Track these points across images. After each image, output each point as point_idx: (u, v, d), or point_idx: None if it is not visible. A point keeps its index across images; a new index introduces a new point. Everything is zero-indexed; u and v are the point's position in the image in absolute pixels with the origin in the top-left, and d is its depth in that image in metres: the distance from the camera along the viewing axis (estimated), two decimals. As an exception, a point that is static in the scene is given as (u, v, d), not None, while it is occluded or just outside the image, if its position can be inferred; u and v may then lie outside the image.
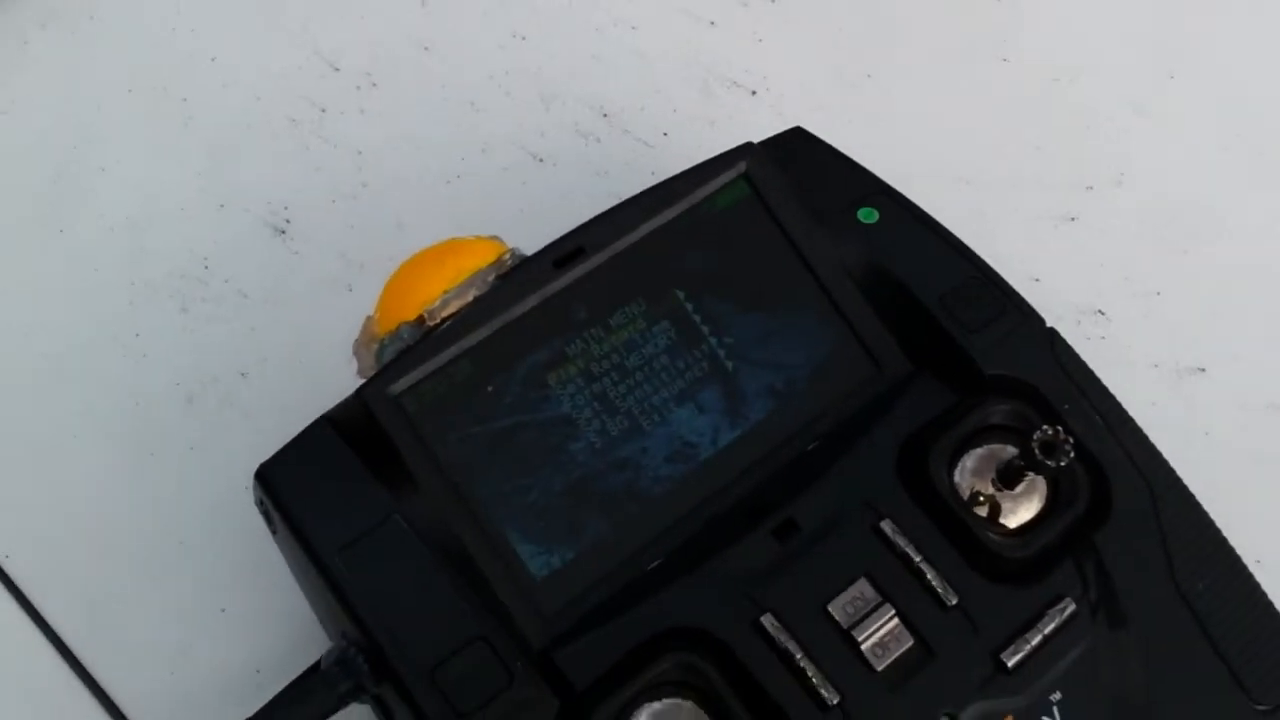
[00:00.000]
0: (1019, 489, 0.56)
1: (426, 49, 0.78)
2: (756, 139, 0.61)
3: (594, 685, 0.51)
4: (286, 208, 0.73)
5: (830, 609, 0.52)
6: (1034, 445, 0.53)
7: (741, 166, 0.59)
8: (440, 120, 0.76)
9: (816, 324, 0.58)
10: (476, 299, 0.55)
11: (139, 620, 0.63)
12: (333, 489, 0.53)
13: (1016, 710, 0.52)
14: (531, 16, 0.80)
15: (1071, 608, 0.53)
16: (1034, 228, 0.75)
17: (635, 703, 0.51)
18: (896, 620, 0.52)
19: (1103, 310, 0.72)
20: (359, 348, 0.58)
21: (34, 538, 0.65)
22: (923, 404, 0.58)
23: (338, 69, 0.77)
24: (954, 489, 0.56)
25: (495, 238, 0.59)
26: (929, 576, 0.53)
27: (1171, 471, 0.57)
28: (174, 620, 0.63)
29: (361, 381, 0.54)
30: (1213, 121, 0.79)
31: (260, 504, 0.55)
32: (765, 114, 0.75)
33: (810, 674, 0.51)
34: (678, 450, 0.55)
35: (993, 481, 0.56)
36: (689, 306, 0.57)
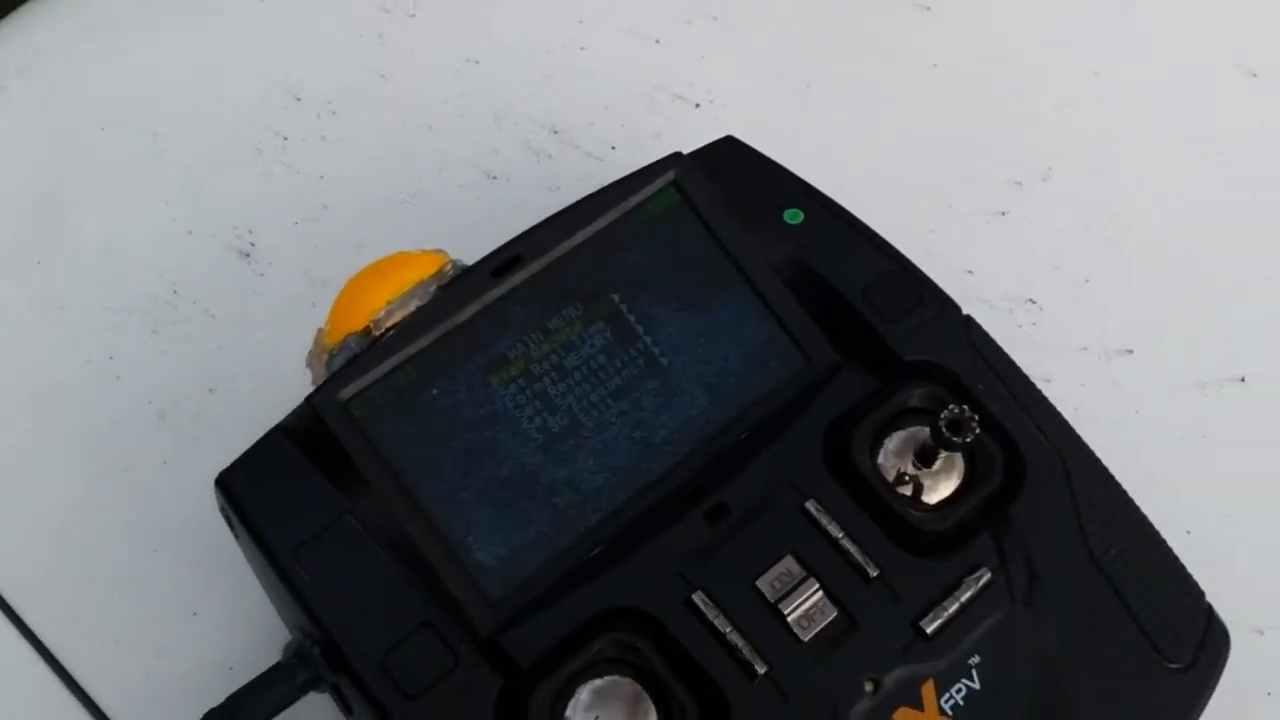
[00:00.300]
0: (936, 466, 0.57)
1: (383, 77, 0.79)
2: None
3: (537, 665, 0.53)
4: (251, 231, 0.74)
5: (758, 585, 0.54)
6: (942, 424, 0.55)
7: (670, 175, 0.60)
8: (398, 143, 0.77)
9: (747, 320, 0.60)
10: (419, 308, 0.57)
11: (116, 624, 0.64)
12: (287, 493, 0.55)
13: (936, 674, 0.54)
14: (484, 41, 0.81)
15: (987, 576, 0.55)
16: (967, 223, 0.76)
17: (577, 680, 0.52)
18: (821, 593, 0.54)
19: (1034, 299, 0.74)
20: (311, 360, 0.60)
21: (17, 548, 0.66)
22: (848, 391, 0.59)
23: (299, 99, 0.78)
24: (876, 469, 0.57)
25: (439, 250, 0.60)
26: (851, 552, 0.55)
27: (1083, 445, 0.59)
28: (149, 623, 0.64)
29: (315, 391, 0.56)
30: (1135, 116, 0.80)
31: (222, 510, 0.57)
32: (709, 125, 0.75)
33: (740, 646, 0.53)
34: (615, 444, 0.57)
35: (913, 462, 0.57)
36: (624, 308, 0.59)
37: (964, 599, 0.55)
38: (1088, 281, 0.75)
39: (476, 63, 0.81)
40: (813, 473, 0.57)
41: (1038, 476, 0.58)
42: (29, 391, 0.70)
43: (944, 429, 0.55)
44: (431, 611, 0.53)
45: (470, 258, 0.59)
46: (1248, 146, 0.79)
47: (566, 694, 0.53)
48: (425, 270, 0.59)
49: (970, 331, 0.61)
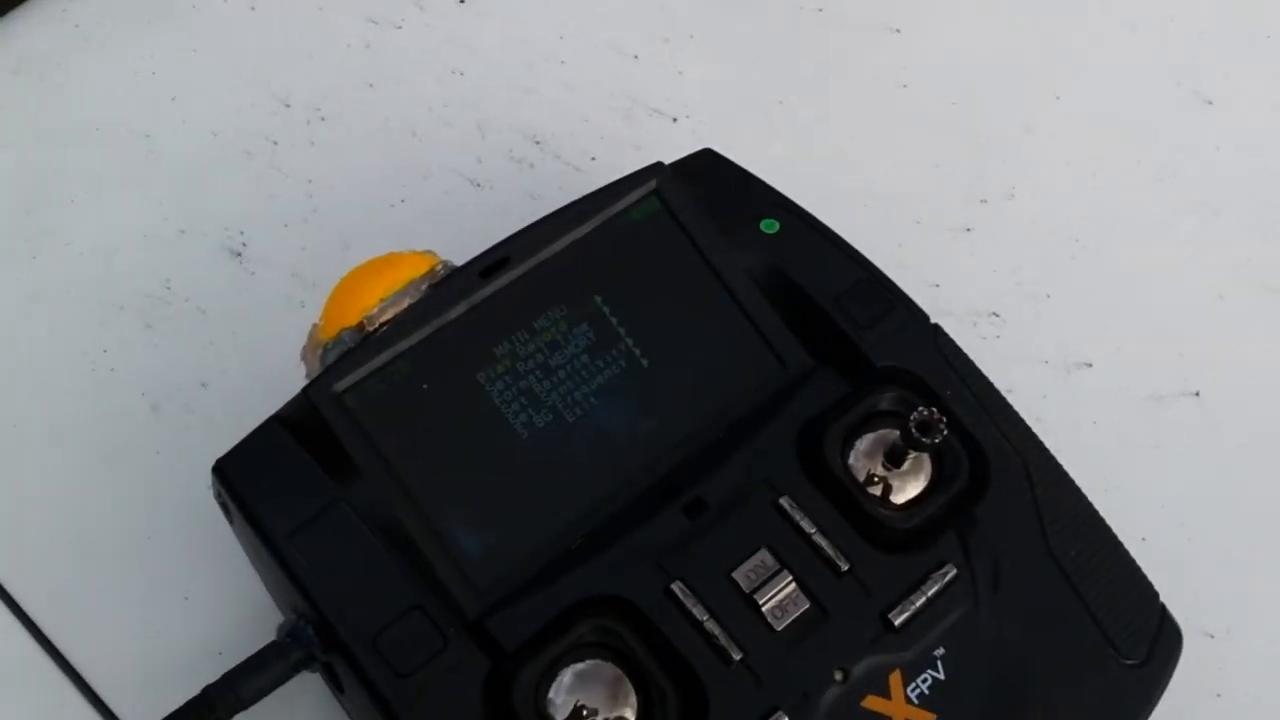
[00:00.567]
0: (905, 467, 0.59)
1: (371, 85, 0.81)
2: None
3: (522, 648, 0.54)
4: (242, 232, 0.75)
5: (734, 576, 0.56)
6: (911, 425, 0.57)
7: (652, 184, 0.62)
8: (384, 150, 0.79)
9: (725, 324, 0.61)
10: (411, 306, 0.58)
11: (110, 608, 0.65)
12: (282, 480, 0.56)
13: (903, 664, 0.56)
14: (468, 54, 0.82)
15: (953, 572, 0.57)
16: (934, 238, 0.78)
17: (560, 663, 0.54)
18: (794, 585, 0.56)
19: (997, 312, 0.76)
20: (306, 353, 0.61)
21: (13, 535, 0.67)
22: (821, 394, 0.61)
23: (289, 105, 0.80)
24: (848, 469, 0.59)
25: (429, 252, 0.62)
26: (823, 546, 0.57)
27: (1044, 449, 0.61)
28: (142, 608, 0.65)
29: (309, 385, 0.57)
30: (1095, 140, 0.82)
31: (218, 496, 0.58)
32: (685, 138, 0.77)
33: (716, 634, 0.55)
34: (597, 439, 0.58)
35: (883, 463, 0.59)
36: (606, 310, 0.60)
37: (930, 593, 0.57)
38: (1049, 297, 0.77)
39: (461, 74, 0.82)
40: (787, 471, 0.59)
41: (1001, 478, 0.60)
42: (26, 384, 0.71)
43: (914, 430, 0.57)
44: (421, 595, 0.55)
45: (456, 259, 0.61)
46: (1202, 170, 0.81)
47: (550, 676, 0.54)
48: (417, 270, 0.60)
49: (938, 339, 0.63)
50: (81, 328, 0.72)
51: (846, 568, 0.57)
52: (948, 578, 0.57)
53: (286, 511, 0.56)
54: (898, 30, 0.86)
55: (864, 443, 0.60)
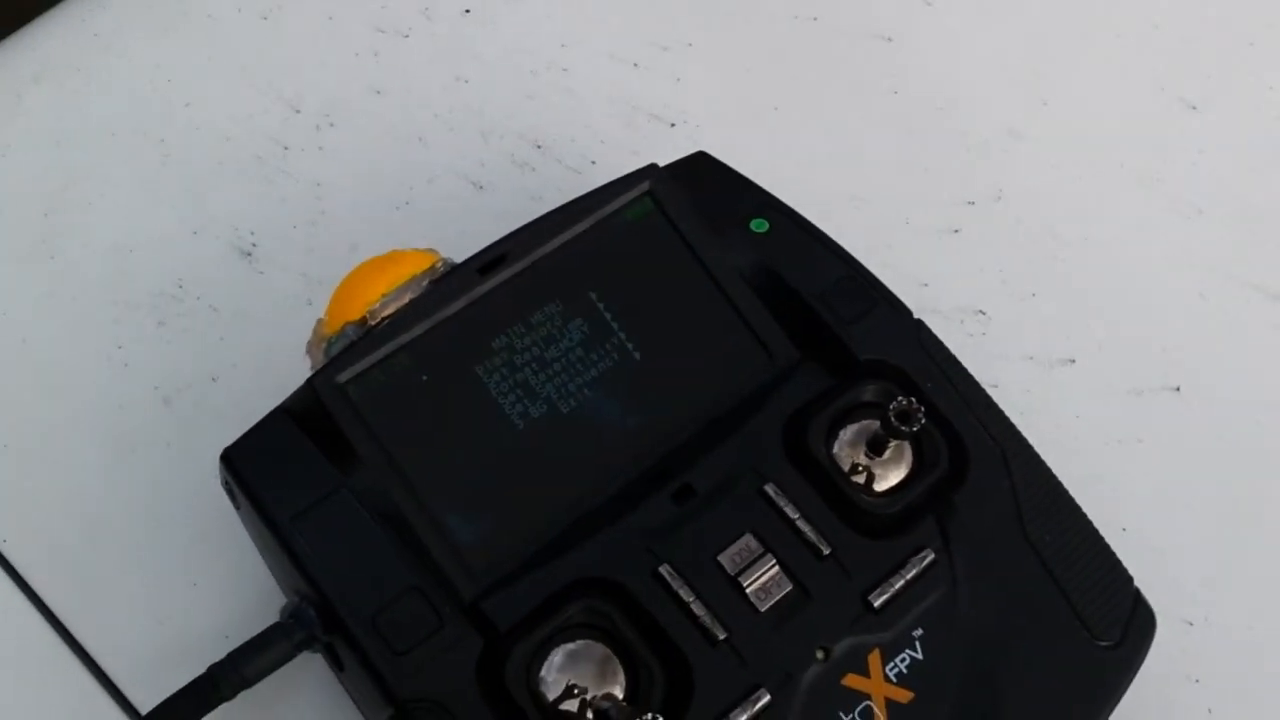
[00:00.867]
0: (886, 456, 0.61)
1: (379, 92, 0.82)
2: (673, 164, 0.65)
3: (515, 628, 0.56)
4: (253, 233, 0.77)
5: (720, 559, 0.58)
6: (891, 414, 0.58)
7: (645, 185, 0.63)
8: (390, 154, 0.80)
9: (714, 320, 0.62)
10: (412, 301, 0.60)
11: (122, 595, 0.67)
12: (287, 467, 0.58)
13: (883, 644, 0.57)
14: (473, 62, 0.84)
15: (931, 557, 0.59)
16: (922, 239, 0.79)
17: (551, 642, 0.56)
18: (777, 568, 0.58)
19: (983, 310, 0.77)
20: (311, 347, 0.62)
21: (30, 525, 0.68)
22: (807, 387, 0.63)
23: (299, 111, 0.81)
24: (832, 458, 0.61)
25: (431, 249, 0.63)
26: (806, 531, 0.58)
27: (1022, 439, 0.62)
28: (152, 593, 0.67)
29: (315, 377, 0.57)
30: (1081, 144, 0.83)
31: (225, 484, 0.59)
32: (683, 143, 0.78)
33: (702, 615, 0.56)
34: (591, 430, 0.59)
35: (865, 452, 0.61)
36: (600, 305, 0.61)
37: (909, 576, 0.59)
38: (1034, 295, 0.78)
39: (466, 81, 0.83)
40: (773, 459, 0.61)
41: (980, 466, 0.61)
42: (44, 378, 0.73)
43: (893, 419, 0.59)
44: (418, 577, 0.56)
45: (458, 259, 0.62)
46: (1185, 173, 0.83)
47: (542, 655, 0.56)
48: (418, 266, 0.62)
49: (920, 334, 0.64)
50: (97, 324, 0.74)
51: (828, 551, 0.58)
52: (926, 561, 0.59)
53: (290, 498, 0.57)
54: (889, 39, 0.87)
55: (848, 433, 0.62)
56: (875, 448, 0.61)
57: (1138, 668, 0.60)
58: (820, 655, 0.57)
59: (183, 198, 0.78)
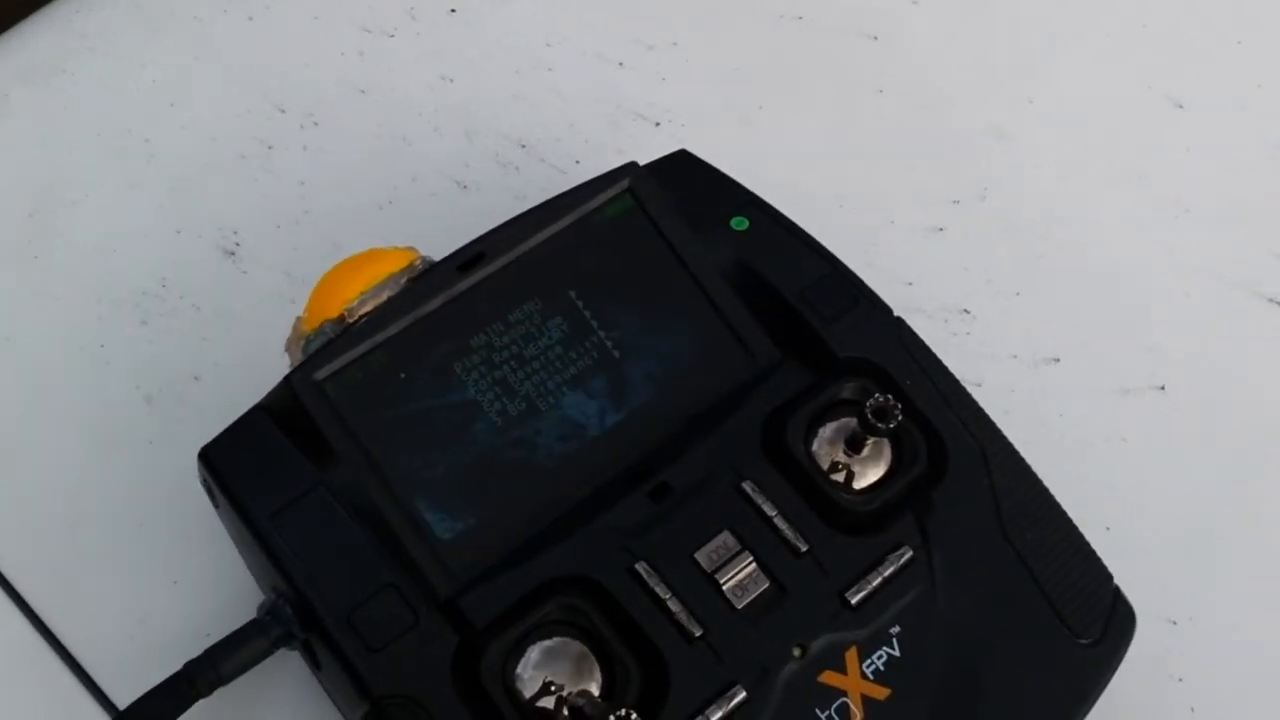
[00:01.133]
0: (865, 453, 0.61)
1: (363, 92, 0.82)
2: (656, 163, 0.65)
3: (491, 624, 0.56)
4: (236, 232, 0.77)
5: (697, 557, 0.58)
6: (868, 411, 0.58)
7: (625, 182, 0.63)
8: (375, 154, 0.80)
9: (694, 317, 0.62)
10: (390, 299, 0.60)
11: (102, 592, 0.67)
12: (264, 465, 0.58)
13: (860, 641, 0.57)
14: (458, 61, 0.84)
15: (909, 554, 0.58)
16: (907, 238, 0.79)
17: (528, 640, 0.56)
18: (754, 565, 0.58)
19: (968, 309, 0.77)
20: (290, 345, 0.63)
21: (10, 521, 0.68)
22: (786, 384, 0.62)
23: (283, 111, 0.81)
24: (810, 456, 0.60)
25: (410, 247, 0.63)
26: (783, 529, 0.58)
27: (1002, 437, 0.62)
28: (133, 592, 0.67)
29: (294, 375, 0.58)
30: (1065, 142, 0.83)
31: (204, 481, 0.59)
32: (668, 142, 0.77)
33: (678, 612, 0.56)
34: (569, 428, 0.60)
35: (844, 450, 0.61)
36: (580, 304, 0.61)
37: (887, 573, 0.58)
38: (1018, 294, 0.78)
39: (451, 81, 0.84)
40: (751, 457, 0.61)
41: (959, 464, 0.61)
42: (26, 375, 0.73)
43: (870, 416, 0.59)
44: (395, 575, 0.56)
45: (440, 258, 0.62)
46: (1171, 172, 0.83)
47: (518, 653, 0.56)
48: (396, 264, 0.62)
49: (900, 332, 0.64)
50: (80, 323, 0.74)
51: (806, 549, 0.58)
52: (904, 559, 0.59)
53: (268, 495, 0.57)
54: (875, 37, 0.87)
55: (827, 430, 0.62)
56: (854, 445, 0.61)
57: (1117, 665, 0.60)
58: (797, 652, 0.57)
59: (167, 197, 0.79)
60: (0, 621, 0.66)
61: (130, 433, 0.71)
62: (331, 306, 0.61)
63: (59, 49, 0.84)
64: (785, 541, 0.59)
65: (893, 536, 0.59)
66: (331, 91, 0.83)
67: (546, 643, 0.56)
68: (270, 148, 0.80)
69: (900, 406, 0.59)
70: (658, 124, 0.83)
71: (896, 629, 0.58)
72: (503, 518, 0.58)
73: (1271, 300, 0.79)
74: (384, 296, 0.61)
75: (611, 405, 0.61)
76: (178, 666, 0.58)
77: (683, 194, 0.65)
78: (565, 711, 0.54)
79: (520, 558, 0.58)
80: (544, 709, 0.55)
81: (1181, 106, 0.85)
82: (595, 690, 0.55)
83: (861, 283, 0.65)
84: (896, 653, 0.58)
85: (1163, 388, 0.76)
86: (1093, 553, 0.62)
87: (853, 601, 0.58)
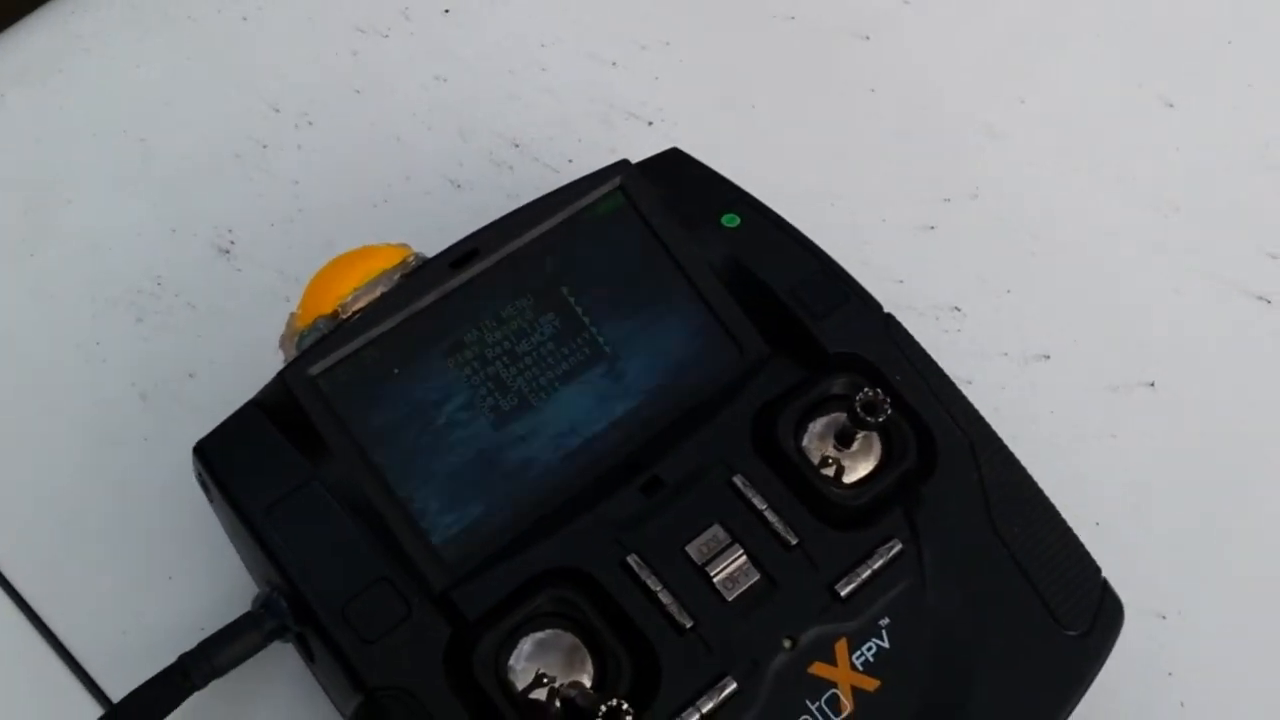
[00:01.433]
0: (854, 447, 0.61)
1: (357, 91, 0.83)
2: (648, 162, 0.66)
3: (484, 617, 0.56)
4: (231, 231, 0.77)
5: (688, 550, 0.58)
6: (857, 405, 0.59)
7: (617, 180, 0.64)
8: (369, 153, 0.80)
9: (686, 314, 0.63)
10: (383, 295, 0.60)
11: (98, 587, 0.67)
12: (259, 459, 0.58)
13: (849, 633, 0.58)
14: (451, 61, 0.84)
15: (899, 547, 0.59)
16: (899, 236, 0.79)
17: (520, 631, 0.56)
18: (745, 558, 0.58)
19: (959, 307, 0.77)
20: (284, 341, 0.63)
21: (6, 516, 0.69)
22: (777, 380, 0.63)
23: (278, 110, 0.82)
24: (800, 450, 0.61)
25: (404, 244, 0.64)
26: (773, 522, 0.59)
27: (991, 431, 0.63)
28: (128, 586, 0.67)
29: (288, 370, 0.58)
30: (1057, 141, 0.84)
31: (199, 476, 0.60)
32: (661, 142, 0.75)
33: (669, 604, 0.57)
34: (561, 423, 0.60)
35: (834, 444, 0.61)
36: (572, 300, 0.62)
37: (876, 566, 0.59)
38: (1009, 292, 0.79)
39: (444, 80, 0.84)
40: (741, 452, 0.61)
41: (948, 458, 0.62)
42: (22, 373, 0.73)
43: (859, 410, 0.59)
44: (388, 568, 0.57)
45: (428, 254, 0.63)
46: (1161, 171, 0.83)
47: (510, 644, 0.56)
48: (390, 261, 0.62)
49: (890, 328, 0.65)
50: (75, 321, 0.74)
51: (796, 542, 0.59)
52: (893, 552, 0.59)
53: (262, 489, 0.58)
54: (867, 37, 0.87)
55: (817, 425, 0.62)
56: (844, 440, 0.61)
57: (1106, 657, 0.60)
58: (787, 644, 0.57)
59: (161, 195, 0.79)
60: (-2, 617, 0.67)
61: (125, 429, 0.71)
62: (325, 302, 0.62)
63: (54, 49, 0.84)
64: (775, 535, 0.59)
65: (882, 530, 0.60)
66: (326, 91, 0.83)
67: (539, 634, 0.56)
68: (265, 147, 0.81)
69: (889, 400, 0.59)
70: (650, 123, 0.83)
71: (886, 621, 0.58)
72: (495, 511, 0.59)
73: (1260, 298, 0.79)
74: (377, 292, 0.61)
75: (603, 400, 0.61)
76: (170, 659, 0.58)
77: (674, 191, 0.66)
78: (557, 703, 0.55)
79: (512, 551, 0.58)
80: (536, 700, 0.55)
81: (1172, 106, 0.86)
82: (587, 681, 0.56)
83: (852, 279, 0.66)
84: (886, 644, 0.58)
85: (1152, 384, 0.76)
86: (1081, 545, 0.62)
87: (842, 594, 0.58)
